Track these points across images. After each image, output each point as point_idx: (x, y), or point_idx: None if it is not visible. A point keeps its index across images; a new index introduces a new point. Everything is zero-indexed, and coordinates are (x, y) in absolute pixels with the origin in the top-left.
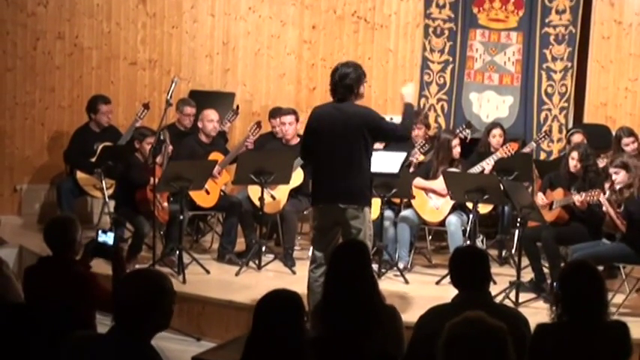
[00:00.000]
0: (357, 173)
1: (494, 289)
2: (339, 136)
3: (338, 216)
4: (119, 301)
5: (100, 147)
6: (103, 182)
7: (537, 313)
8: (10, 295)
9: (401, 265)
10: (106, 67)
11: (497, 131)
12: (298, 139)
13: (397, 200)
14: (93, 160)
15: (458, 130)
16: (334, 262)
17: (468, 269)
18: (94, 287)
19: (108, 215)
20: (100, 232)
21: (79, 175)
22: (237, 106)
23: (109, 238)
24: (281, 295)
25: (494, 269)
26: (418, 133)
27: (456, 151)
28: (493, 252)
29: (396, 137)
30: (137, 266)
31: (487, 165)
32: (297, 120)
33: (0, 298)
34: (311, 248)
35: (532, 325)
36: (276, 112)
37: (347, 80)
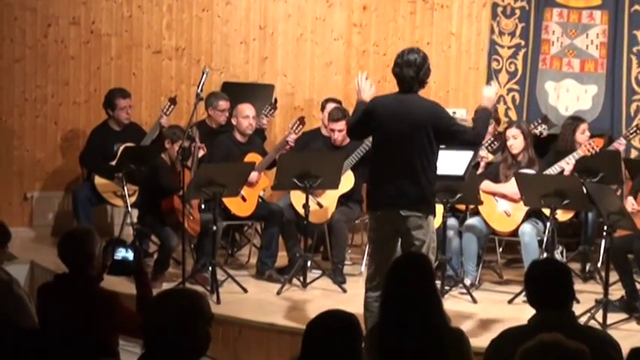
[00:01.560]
0: (422, 176)
1: (577, 309)
2: (402, 133)
3: (398, 225)
4: (150, 326)
5: (121, 148)
6: (125, 188)
7: (630, 336)
8: (22, 318)
9: (467, 282)
10: (126, 57)
11: (584, 126)
12: (348, 140)
13: (462, 207)
14: (113, 163)
15: (532, 125)
16: (392, 279)
17: (547, 286)
18: (116, 308)
19: (130, 226)
20: (118, 248)
21: (98, 180)
22: (276, 100)
23: (129, 254)
24: (336, 317)
25: (577, 286)
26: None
27: (515, 144)
28: (575, 266)
29: (464, 142)
30: (165, 284)
31: (567, 165)
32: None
33: (10, 322)
34: (364, 263)
35: (624, 351)
36: (331, 104)
37: (414, 68)
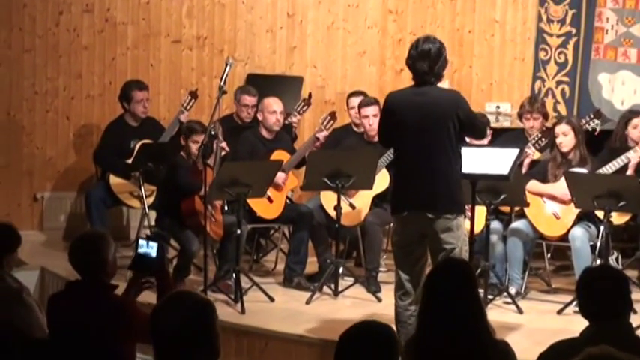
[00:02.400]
0: (447, 172)
1: (634, 320)
2: (424, 128)
3: (425, 228)
4: (157, 333)
5: (138, 145)
6: (142, 189)
7: None
8: (33, 328)
9: (512, 290)
10: (144, 47)
11: (637, 121)
12: None
13: (507, 209)
14: (129, 161)
15: (583, 121)
16: (431, 288)
17: (601, 295)
18: (133, 316)
19: (148, 229)
20: (140, 240)
21: (113, 180)
22: (310, 95)
23: (151, 249)
24: (371, 329)
25: (635, 294)
26: (534, 124)
27: (565, 142)
28: (632, 273)
29: (480, 133)
30: None
31: (622, 164)
32: (380, 111)
33: (20, 333)
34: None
35: None
36: (356, 99)
37: (427, 61)
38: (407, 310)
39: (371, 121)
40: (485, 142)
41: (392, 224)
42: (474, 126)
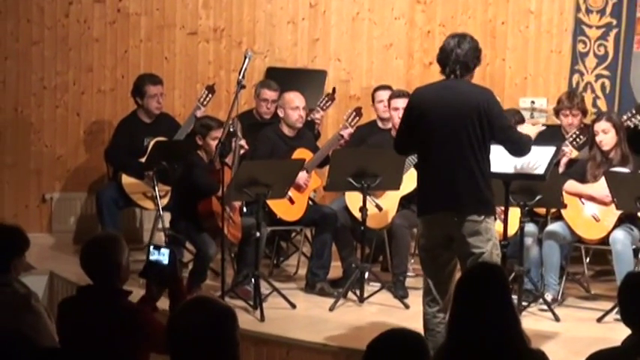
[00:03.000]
0: (475, 172)
1: None
2: (451, 124)
3: (451, 231)
4: (175, 341)
5: (152, 143)
6: (156, 189)
7: None
8: (41, 336)
9: (549, 297)
10: (158, 39)
11: None
12: None
13: (542, 210)
14: (142, 159)
15: (625, 117)
16: (461, 294)
17: None
18: (147, 324)
19: (162, 232)
20: (151, 248)
21: (125, 179)
22: (334, 90)
23: (163, 257)
24: (400, 337)
25: None
26: (572, 121)
27: (606, 139)
28: None
29: (511, 141)
30: None
31: None
32: None
33: (28, 341)
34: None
35: None
36: (383, 92)
37: (462, 54)
38: (435, 317)
39: (400, 113)
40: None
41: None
42: (501, 130)
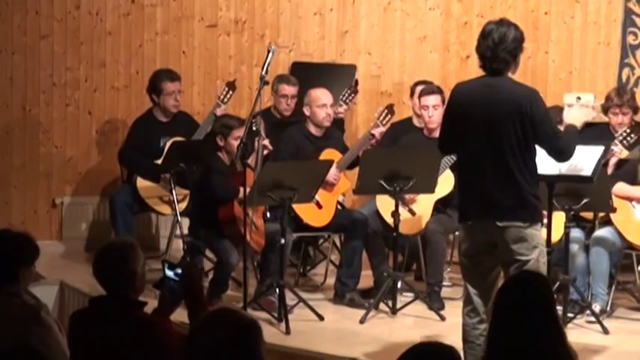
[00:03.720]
0: (520, 175)
1: None
2: (491, 126)
3: (494, 237)
4: (195, 356)
5: (169, 143)
6: (174, 193)
7: None
8: (52, 350)
9: (597, 308)
10: (175, 32)
11: None
12: None
13: (589, 215)
14: (159, 161)
15: None
16: (501, 305)
17: None
18: (165, 337)
19: (180, 239)
20: (166, 266)
21: (140, 183)
22: (356, 82)
23: (176, 276)
24: (434, 351)
25: None
26: (623, 119)
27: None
28: None
29: (553, 149)
30: None
31: None
32: (443, 102)
33: (38, 355)
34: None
35: None
36: (417, 89)
37: (506, 45)
38: (475, 328)
39: (431, 112)
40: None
41: (458, 232)
42: (544, 135)
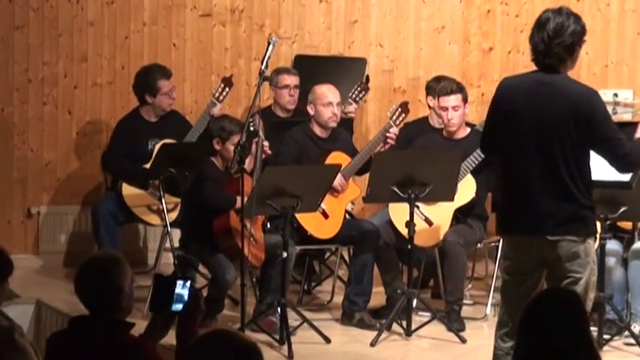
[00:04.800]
0: (574, 185)
1: None
2: (543, 128)
3: (544, 253)
4: None
5: (158, 146)
6: (163, 201)
7: None
8: None
9: (636, 328)
10: (165, 22)
11: None
12: (467, 131)
13: (628, 225)
14: (147, 166)
15: None
16: (528, 325)
17: None
18: None
19: (171, 253)
20: (179, 283)
21: (126, 190)
22: (367, 77)
23: (184, 290)
24: None
25: None
26: None
27: None
28: None
29: (615, 157)
30: None
31: None
32: (464, 101)
33: None
34: (489, 303)
35: None
36: (434, 87)
37: (565, 37)
38: (509, 354)
39: (450, 114)
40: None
41: (484, 244)
42: (604, 142)
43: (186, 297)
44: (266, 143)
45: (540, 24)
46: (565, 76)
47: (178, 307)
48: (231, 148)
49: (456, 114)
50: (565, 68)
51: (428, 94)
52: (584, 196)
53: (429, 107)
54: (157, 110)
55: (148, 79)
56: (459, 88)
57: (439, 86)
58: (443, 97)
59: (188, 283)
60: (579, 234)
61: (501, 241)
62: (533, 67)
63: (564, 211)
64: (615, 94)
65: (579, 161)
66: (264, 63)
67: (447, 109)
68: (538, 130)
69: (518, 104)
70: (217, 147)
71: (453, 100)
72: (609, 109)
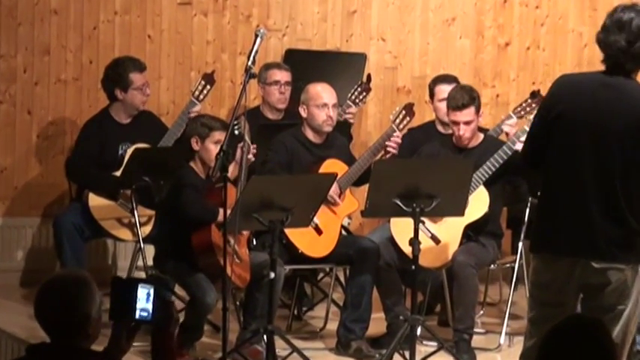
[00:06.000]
0: (625, 208)
1: None
2: (601, 138)
3: (586, 280)
4: None
5: (130, 151)
6: (135, 214)
7: None
8: None
9: None
10: (138, 11)
11: None
12: (480, 137)
13: None
14: (118, 173)
15: None
16: (548, 354)
17: None
18: None
19: (143, 272)
20: (139, 286)
21: (93, 200)
22: (369, 77)
23: (148, 296)
24: None
25: None
26: None
27: None
28: None
29: None
30: None
31: None
32: (478, 111)
33: None
34: (503, 331)
35: None
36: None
37: (625, 35)
38: None
39: (462, 129)
40: None
41: (497, 264)
42: None
43: (150, 305)
44: (252, 149)
45: (622, 23)
46: (635, 81)
47: (144, 315)
48: (213, 147)
49: (469, 128)
50: (636, 73)
51: (430, 95)
52: (636, 221)
53: (434, 110)
54: (128, 109)
55: (118, 71)
56: (472, 99)
57: (449, 96)
58: (454, 112)
59: (152, 290)
60: (629, 261)
61: (531, 264)
62: (558, 67)
63: (616, 236)
64: None
65: (637, 182)
66: (251, 58)
67: (458, 123)
68: (593, 139)
69: (575, 107)
70: (196, 147)
71: (466, 114)
72: None
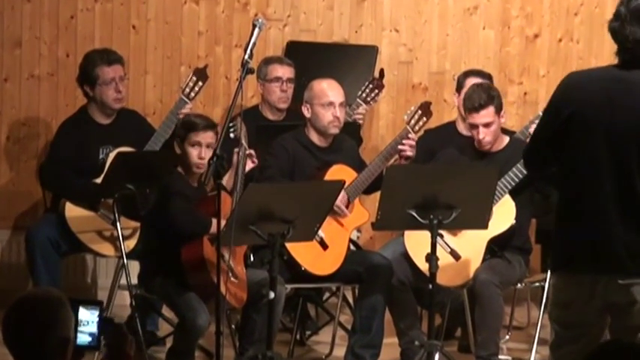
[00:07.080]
0: None
1: None
2: (620, 140)
3: (612, 298)
4: None
5: (112, 155)
6: (118, 226)
7: None
8: None
9: None
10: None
11: None
12: (505, 141)
13: None
14: (98, 180)
15: None
16: None
17: None
18: None
19: (127, 291)
20: (80, 307)
21: (71, 211)
22: (382, 73)
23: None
24: None
25: None
26: None
27: None
28: None
29: None
30: None
31: None
32: (498, 111)
33: None
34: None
35: None
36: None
37: None
38: None
39: (481, 133)
40: None
41: (522, 284)
42: None
43: (95, 328)
44: (250, 153)
45: (627, 5)
46: None
47: (87, 340)
48: (192, 150)
49: (489, 130)
50: None
51: (458, 89)
52: None
53: (459, 108)
54: (104, 108)
55: (85, 67)
56: (490, 98)
57: (465, 97)
58: (471, 114)
59: (96, 311)
60: None
61: (550, 281)
62: (594, 61)
63: (637, 249)
64: None
65: None
66: (248, 51)
67: (476, 126)
68: (611, 141)
69: (587, 105)
70: (178, 151)
71: (484, 115)
72: None
